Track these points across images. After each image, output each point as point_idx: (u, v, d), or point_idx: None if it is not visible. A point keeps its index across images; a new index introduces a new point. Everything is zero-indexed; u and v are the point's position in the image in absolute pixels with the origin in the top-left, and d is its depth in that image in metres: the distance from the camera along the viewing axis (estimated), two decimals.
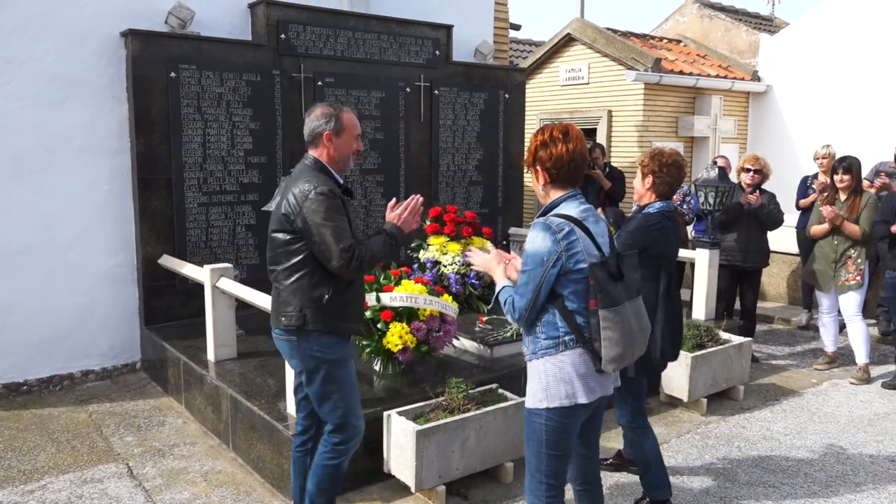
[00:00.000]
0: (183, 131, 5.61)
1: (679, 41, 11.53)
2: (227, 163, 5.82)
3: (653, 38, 11.25)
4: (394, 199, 3.17)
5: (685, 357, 4.83)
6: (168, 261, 5.51)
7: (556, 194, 2.55)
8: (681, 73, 9.67)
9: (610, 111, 9.74)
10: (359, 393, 3.11)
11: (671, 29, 12.05)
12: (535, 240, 2.44)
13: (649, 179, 3.47)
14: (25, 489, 3.80)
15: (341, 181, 3.05)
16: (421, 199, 3.13)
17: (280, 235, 2.92)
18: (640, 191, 3.55)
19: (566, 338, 2.48)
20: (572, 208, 2.50)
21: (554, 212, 2.49)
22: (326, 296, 2.90)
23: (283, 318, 2.94)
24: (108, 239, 5.58)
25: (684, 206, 6.63)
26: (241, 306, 4.77)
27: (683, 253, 6.09)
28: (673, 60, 10.12)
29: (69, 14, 5.29)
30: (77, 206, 5.42)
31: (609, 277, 2.43)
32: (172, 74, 5.52)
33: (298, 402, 3.23)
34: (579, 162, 2.53)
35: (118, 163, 5.57)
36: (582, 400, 2.50)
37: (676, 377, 4.90)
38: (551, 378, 2.50)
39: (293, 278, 2.91)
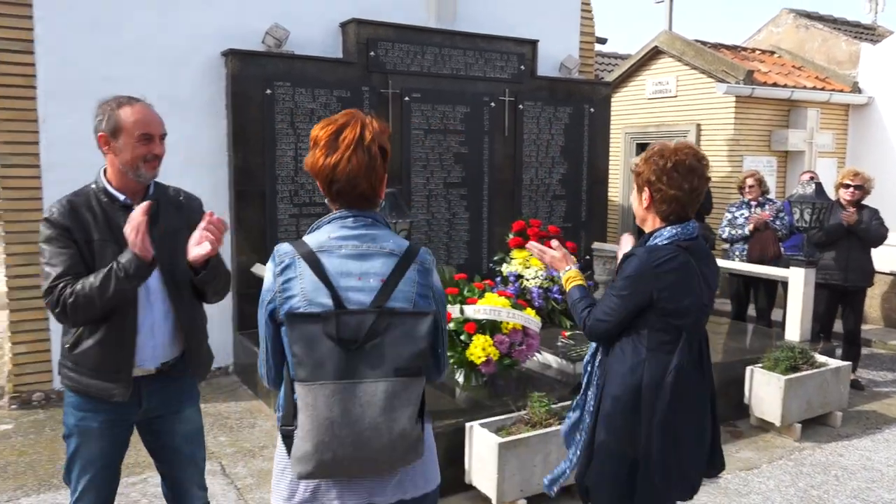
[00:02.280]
0: (277, 145, 5.85)
1: (773, 52, 11.15)
2: None
3: (745, 49, 10.92)
4: (138, 212, 2.20)
5: (778, 380, 4.65)
6: (260, 269, 5.75)
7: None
8: (774, 85, 9.34)
9: (698, 125, 9.50)
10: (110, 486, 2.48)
11: (764, 40, 11.66)
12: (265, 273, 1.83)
13: (646, 194, 2.35)
14: (128, 482, 4.03)
15: (122, 198, 2.37)
16: (146, 212, 2.19)
17: None
18: (638, 213, 2.44)
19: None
20: (324, 232, 1.80)
21: (308, 234, 1.84)
22: (70, 342, 2.33)
23: None
24: None
25: (777, 223, 6.39)
26: None
27: (776, 271, 5.87)
28: (766, 72, 9.79)
29: (174, 36, 5.63)
30: None
31: (326, 340, 1.64)
32: (268, 91, 5.78)
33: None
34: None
35: (217, 176, 5.86)
36: None
37: (768, 400, 4.72)
38: (277, 469, 1.83)
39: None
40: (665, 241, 2.28)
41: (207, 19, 5.74)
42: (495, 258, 6.25)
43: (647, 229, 2.39)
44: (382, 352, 1.65)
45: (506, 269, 5.95)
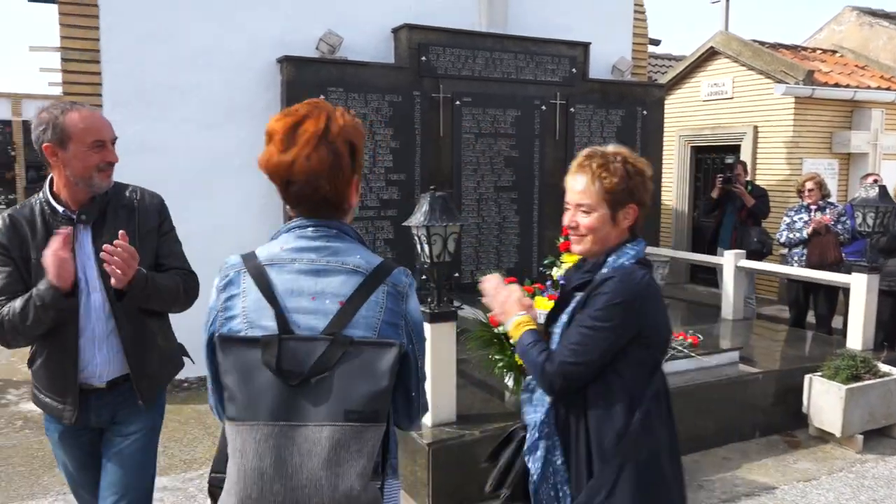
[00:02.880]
0: None
1: (835, 52, 10.80)
2: (368, 180, 6.11)
3: (804, 49, 10.61)
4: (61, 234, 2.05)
5: (839, 389, 4.50)
6: None
7: None
8: (836, 85, 9.05)
9: (755, 127, 9.27)
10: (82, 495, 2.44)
11: (826, 39, 11.31)
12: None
13: (630, 210, 1.97)
14: (186, 477, 4.16)
15: (61, 210, 2.20)
16: (65, 236, 2.03)
17: None
18: (603, 233, 1.95)
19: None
20: (278, 243, 1.54)
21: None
22: (28, 358, 2.30)
23: None
24: None
25: (838, 227, 6.20)
26: None
27: (837, 277, 5.69)
28: (827, 72, 9.49)
29: (232, 45, 5.79)
30: (234, 222, 5.89)
31: (264, 371, 1.37)
32: (322, 97, 5.87)
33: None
34: None
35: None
36: None
37: (828, 409, 4.58)
38: None
39: None
40: (632, 261, 1.93)
41: (264, 27, 5.89)
42: (545, 262, 6.20)
43: (594, 250, 1.96)
44: (331, 389, 1.35)
45: (556, 272, 5.91)
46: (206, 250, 5.69)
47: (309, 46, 6.01)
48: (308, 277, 1.45)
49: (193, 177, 5.67)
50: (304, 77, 5.84)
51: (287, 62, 5.80)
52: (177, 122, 5.62)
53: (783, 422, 4.85)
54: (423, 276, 5.92)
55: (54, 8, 5.42)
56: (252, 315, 1.43)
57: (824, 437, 4.72)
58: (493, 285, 2.14)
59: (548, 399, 1.95)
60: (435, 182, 5.56)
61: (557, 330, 1.98)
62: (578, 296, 1.95)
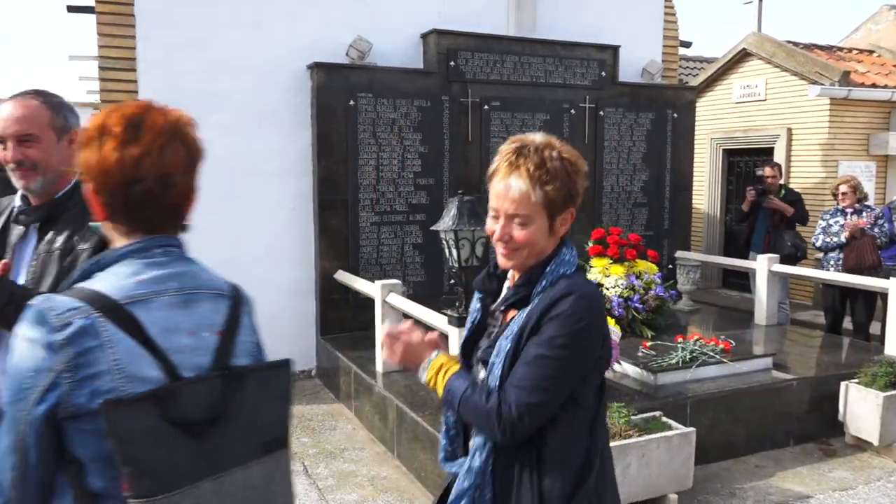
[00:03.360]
0: (359, 155, 6.00)
1: (872, 51, 10.58)
2: (397, 184, 6.14)
3: (840, 49, 10.41)
4: None
5: (876, 396, 4.41)
6: (342, 276, 5.90)
7: (119, 240, 1.31)
8: (873, 86, 8.86)
9: (789, 129, 9.12)
10: None
11: (862, 39, 11.09)
12: (19, 346, 1.19)
13: (566, 215, 1.67)
14: None
15: (18, 205, 2.07)
16: None
17: None
18: (531, 238, 1.62)
19: None
20: (123, 275, 1.25)
21: (88, 281, 1.25)
22: None
23: None
24: (290, 255, 6.08)
25: (875, 230, 6.07)
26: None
27: (874, 282, 5.57)
28: (864, 73, 9.30)
29: (264, 52, 5.88)
30: (264, 226, 5.97)
31: (170, 428, 1.16)
32: (351, 102, 5.94)
33: None
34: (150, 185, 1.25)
35: (301, 185, 6.06)
36: None
37: (865, 417, 4.48)
38: None
39: None
40: (573, 269, 1.65)
41: (295, 34, 5.96)
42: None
43: (528, 265, 1.65)
44: (241, 426, 1.24)
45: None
46: (233, 257, 5.80)
47: (339, 53, 6.07)
48: (180, 311, 1.26)
49: (223, 182, 5.75)
50: (334, 83, 5.90)
51: (317, 68, 5.86)
52: (209, 128, 5.66)
53: (818, 430, 4.75)
54: (452, 281, 5.94)
55: (93, 18, 5.56)
56: (129, 367, 1.16)
57: (861, 445, 4.62)
58: (385, 334, 1.75)
59: (488, 443, 1.61)
60: (463, 186, 5.57)
61: (498, 360, 1.59)
62: (517, 316, 1.63)
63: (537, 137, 1.68)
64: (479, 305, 1.80)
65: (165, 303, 1.25)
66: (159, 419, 1.14)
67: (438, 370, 1.67)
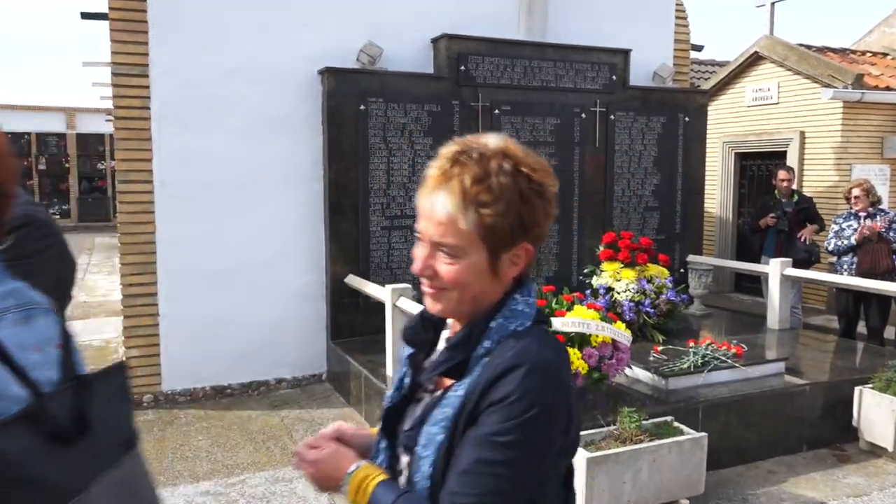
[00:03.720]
0: (370, 160, 6.02)
1: (886, 54, 10.50)
2: (407, 189, 6.15)
3: (853, 52, 10.35)
4: None
5: (891, 402, 4.36)
6: (353, 280, 5.91)
7: None
8: (887, 88, 8.80)
9: (802, 132, 9.07)
10: None
11: (876, 41, 11.01)
12: None
13: (519, 251, 1.23)
14: (228, 482, 4.23)
15: None
16: None
17: None
18: (461, 279, 1.21)
19: None
20: None
21: None
22: None
23: None
24: (301, 259, 6.10)
25: (890, 234, 6.02)
26: None
27: (889, 286, 5.52)
28: (878, 75, 9.24)
29: (275, 57, 5.91)
30: (275, 231, 5.99)
31: (48, 444, 1.13)
32: (362, 107, 5.96)
33: None
34: None
35: (312, 190, 6.08)
36: None
37: (879, 423, 4.43)
38: None
39: None
40: (528, 324, 1.24)
41: (306, 39, 5.99)
42: (585, 270, 6.17)
43: (462, 312, 1.25)
44: (101, 431, 1.23)
45: (596, 281, 5.87)
46: (244, 261, 5.84)
47: (349, 57, 6.09)
48: (23, 328, 1.22)
49: (236, 187, 5.79)
50: (345, 87, 5.92)
51: (328, 73, 5.89)
52: (221, 134, 5.75)
53: (832, 435, 4.72)
54: None
55: (107, 24, 5.61)
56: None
57: (876, 451, 4.57)
58: (301, 452, 1.37)
59: None
60: None
61: (427, 454, 1.20)
62: (453, 389, 1.22)
63: (491, 140, 1.27)
64: (407, 362, 1.35)
65: (11, 320, 1.21)
66: (36, 436, 1.11)
67: (363, 480, 1.24)
